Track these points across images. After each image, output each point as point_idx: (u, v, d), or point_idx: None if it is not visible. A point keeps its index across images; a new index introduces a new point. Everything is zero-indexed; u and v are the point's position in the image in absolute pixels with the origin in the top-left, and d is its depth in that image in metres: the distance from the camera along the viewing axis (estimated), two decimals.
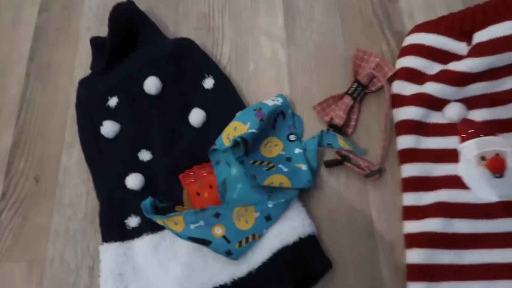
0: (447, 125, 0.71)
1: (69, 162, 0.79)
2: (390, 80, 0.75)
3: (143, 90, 0.78)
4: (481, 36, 0.69)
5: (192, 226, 0.65)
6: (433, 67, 0.73)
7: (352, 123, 0.75)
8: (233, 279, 0.66)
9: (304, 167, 0.70)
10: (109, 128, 0.76)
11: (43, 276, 0.72)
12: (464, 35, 0.72)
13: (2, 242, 0.75)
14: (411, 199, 0.68)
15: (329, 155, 0.74)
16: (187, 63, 0.79)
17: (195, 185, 0.72)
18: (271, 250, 0.66)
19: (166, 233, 0.69)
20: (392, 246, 0.68)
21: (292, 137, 0.74)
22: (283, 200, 0.67)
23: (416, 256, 0.65)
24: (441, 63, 0.73)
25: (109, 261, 0.68)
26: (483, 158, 0.68)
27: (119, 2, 0.81)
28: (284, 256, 0.65)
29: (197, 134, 0.75)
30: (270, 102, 0.73)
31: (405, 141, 0.70)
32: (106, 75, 0.80)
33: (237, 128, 0.70)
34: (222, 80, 0.79)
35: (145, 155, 0.75)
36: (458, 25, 0.73)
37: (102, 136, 0.76)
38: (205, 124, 0.76)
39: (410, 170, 0.69)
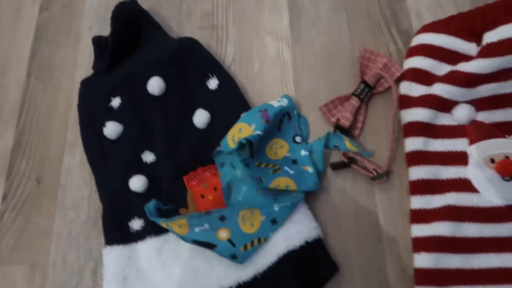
0: (455, 127, 0.71)
1: (71, 164, 0.79)
2: (398, 80, 0.75)
3: (146, 91, 0.78)
4: (491, 36, 0.69)
5: (196, 229, 0.65)
6: (442, 68, 0.73)
7: (359, 124, 0.75)
8: (238, 283, 0.66)
9: (310, 169, 0.70)
10: (112, 129, 0.76)
11: (46, 279, 0.72)
12: (474, 36, 0.72)
13: (4, 244, 0.75)
14: (419, 202, 0.68)
15: (336, 157, 0.74)
16: (191, 63, 0.79)
17: (199, 187, 0.72)
18: (277, 254, 0.66)
19: (170, 236, 0.69)
20: (400, 250, 0.68)
21: (298, 139, 0.74)
22: (289, 203, 0.67)
23: (424, 260, 0.65)
24: (450, 63, 0.73)
25: (112, 265, 0.69)
26: (492, 160, 0.68)
27: (122, 1, 0.81)
28: (290, 260, 0.65)
29: (201, 135, 0.75)
30: (275, 103, 0.73)
31: (413, 143, 0.70)
32: (109, 75, 0.80)
33: (242, 129, 0.70)
34: (227, 80, 0.79)
35: (148, 157, 0.75)
36: (468, 25, 0.73)
37: (105, 137, 0.76)
38: (210, 125, 0.76)
39: (418, 172, 0.69)
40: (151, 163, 0.75)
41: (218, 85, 0.78)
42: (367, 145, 0.74)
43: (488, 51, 0.69)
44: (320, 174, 0.71)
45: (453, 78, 0.70)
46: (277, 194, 0.68)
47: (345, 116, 0.73)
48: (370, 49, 0.78)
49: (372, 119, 0.76)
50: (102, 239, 0.72)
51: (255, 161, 0.70)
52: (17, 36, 0.91)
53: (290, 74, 0.81)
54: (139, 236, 0.70)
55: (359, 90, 0.74)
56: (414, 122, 0.71)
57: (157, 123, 0.76)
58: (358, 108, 0.75)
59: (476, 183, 0.68)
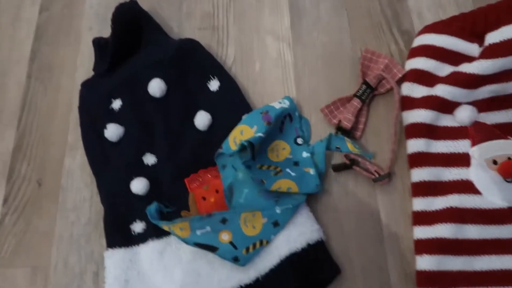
0: (458, 128, 0.72)
1: (72, 166, 0.80)
2: (399, 81, 0.75)
3: (147, 92, 0.78)
4: (493, 37, 0.70)
5: (198, 232, 0.66)
6: (444, 69, 0.73)
7: (361, 126, 0.75)
8: (240, 286, 0.66)
9: (312, 171, 0.70)
10: (113, 131, 0.76)
11: (47, 282, 0.73)
12: (476, 36, 0.73)
13: (6, 247, 0.75)
14: (421, 204, 0.69)
15: (337, 158, 0.74)
16: (192, 64, 0.80)
17: (201, 189, 0.72)
18: (279, 256, 0.66)
19: (171, 239, 0.70)
20: (402, 252, 0.69)
21: (299, 141, 0.74)
22: (290, 206, 0.68)
23: (426, 262, 0.65)
24: (452, 64, 0.73)
25: (114, 267, 0.69)
26: (494, 162, 0.69)
27: (122, 2, 0.81)
28: (292, 263, 0.66)
29: (203, 137, 0.76)
30: (277, 105, 0.74)
31: (415, 145, 0.71)
32: (109, 77, 0.81)
33: (244, 131, 0.71)
34: (228, 82, 0.79)
35: (149, 159, 0.76)
36: (470, 26, 0.74)
37: (105, 139, 0.77)
38: (211, 127, 0.76)
39: (420, 174, 0.70)
40: (152, 165, 0.76)
41: (219, 87, 0.79)
42: (369, 147, 0.75)
43: (491, 52, 0.69)
44: (322, 176, 0.72)
45: (455, 79, 0.71)
46: (279, 196, 0.69)
47: (346, 118, 0.74)
48: (371, 49, 0.78)
49: (374, 120, 0.76)
50: (103, 241, 0.73)
51: (257, 163, 0.71)
52: (17, 36, 0.92)
53: (291, 75, 0.81)
54: (140, 238, 0.71)
55: (360, 91, 0.75)
56: (416, 124, 0.72)
57: (158, 125, 0.77)
58: (360, 110, 0.75)
59: (478, 185, 0.68)
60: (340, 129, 0.74)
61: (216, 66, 0.81)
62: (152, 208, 0.69)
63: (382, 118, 0.76)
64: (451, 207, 0.67)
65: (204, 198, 0.72)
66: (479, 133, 0.70)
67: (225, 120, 0.76)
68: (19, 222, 0.77)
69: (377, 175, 0.71)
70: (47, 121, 0.83)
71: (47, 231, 0.76)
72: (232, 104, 0.78)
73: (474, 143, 0.70)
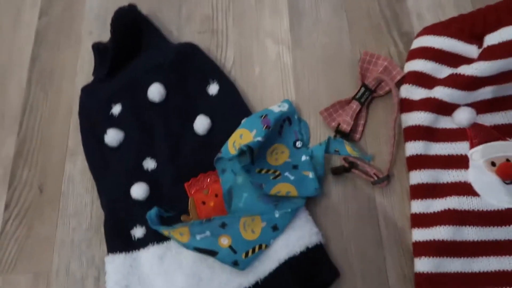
0: (456, 130, 0.73)
1: (73, 171, 0.81)
2: (399, 83, 0.76)
3: (147, 97, 0.80)
4: (492, 38, 0.70)
5: (198, 237, 0.68)
6: (443, 71, 0.74)
7: (360, 128, 0.76)
8: None
9: (311, 174, 0.71)
10: (112, 137, 0.78)
11: None
12: (475, 37, 0.74)
13: (8, 253, 0.77)
14: (419, 206, 0.70)
15: (336, 161, 0.75)
16: (191, 68, 0.81)
17: (200, 194, 0.74)
18: (278, 260, 0.68)
19: (171, 244, 0.71)
20: (400, 254, 0.70)
21: (298, 144, 0.75)
22: (289, 210, 0.69)
23: (424, 264, 0.66)
24: (451, 66, 0.74)
25: (114, 272, 0.71)
26: (493, 163, 0.70)
27: (121, 6, 0.83)
28: (291, 266, 0.67)
29: (202, 141, 0.77)
30: (276, 109, 0.75)
31: (414, 147, 0.72)
32: (109, 82, 0.82)
33: (243, 135, 0.72)
34: (227, 85, 0.81)
35: (149, 164, 0.77)
36: (468, 27, 0.75)
37: (106, 144, 0.78)
38: (210, 131, 0.78)
39: (419, 176, 0.71)
40: (152, 170, 0.77)
41: (219, 90, 0.80)
42: (368, 149, 0.76)
43: (489, 54, 0.70)
44: (320, 179, 0.73)
45: (454, 81, 0.72)
46: (278, 200, 0.70)
47: (345, 121, 0.75)
48: (370, 52, 0.79)
49: (373, 122, 0.77)
50: (104, 246, 0.74)
51: (256, 167, 0.72)
52: (17, 41, 0.93)
53: (291, 77, 0.82)
54: (141, 243, 0.73)
55: (359, 94, 0.76)
56: (415, 126, 0.73)
57: (158, 129, 0.78)
58: (359, 112, 0.76)
59: (476, 187, 0.69)
60: (339, 132, 0.75)
61: (216, 69, 0.82)
62: (152, 213, 0.70)
63: (381, 120, 0.77)
64: (450, 209, 0.68)
65: (204, 203, 0.73)
66: (477, 134, 0.71)
67: (225, 124, 0.77)
68: (21, 228, 0.78)
69: (376, 178, 0.72)
70: (48, 127, 0.85)
71: (49, 237, 0.77)
72: (232, 107, 0.79)
73: (472, 145, 0.71)
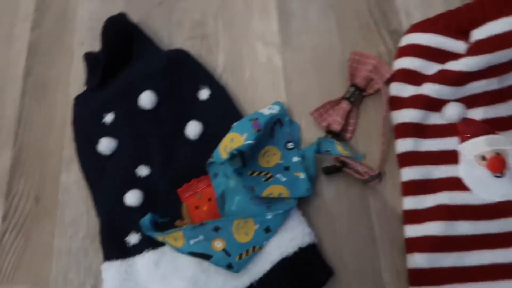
0: (446, 126, 0.74)
1: (69, 181, 0.82)
2: (389, 81, 0.77)
3: (138, 105, 0.81)
4: (479, 33, 0.71)
5: (192, 241, 0.69)
6: (431, 67, 0.75)
7: (350, 127, 0.77)
8: None
9: (302, 175, 0.72)
10: (106, 145, 0.79)
11: None
12: (462, 33, 0.75)
13: (6, 264, 0.78)
14: (411, 203, 0.71)
15: (329, 161, 0.76)
16: (182, 75, 0.82)
17: (194, 198, 0.75)
18: (272, 262, 0.69)
19: (167, 249, 0.72)
20: (394, 251, 0.70)
21: (290, 145, 0.76)
22: (282, 211, 0.70)
23: (417, 260, 0.67)
24: (439, 62, 0.75)
25: (111, 280, 0.72)
26: (483, 158, 0.71)
27: (111, 16, 0.84)
28: (285, 267, 0.68)
29: (195, 146, 0.78)
30: (266, 111, 0.76)
31: (404, 144, 0.73)
32: (101, 91, 0.84)
33: (234, 139, 0.73)
34: (218, 90, 0.82)
35: (143, 171, 0.78)
36: (455, 23, 0.76)
37: (99, 153, 0.79)
38: (202, 136, 0.79)
39: (410, 173, 0.72)
40: (146, 177, 0.78)
41: (210, 95, 0.81)
42: (360, 148, 0.77)
43: (477, 49, 0.71)
44: (313, 180, 0.74)
45: (443, 77, 0.73)
46: (270, 202, 0.71)
47: (336, 120, 0.76)
48: (359, 51, 0.80)
49: (364, 121, 0.78)
50: (101, 254, 0.75)
51: (248, 170, 0.73)
52: (10, 54, 0.95)
53: (281, 79, 0.83)
54: (136, 250, 0.74)
55: (349, 93, 0.77)
56: (405, 123, 0.74)
57: (150, 136, 0.79)
58: (349, 111, 0.77)
59: (467, 181, 0.70)
60: (330, 132, 0.76)
61: (206, 74, 0.83)
62: (145, 219, 0.71)
63: (372, 119, 0.78)
64: (441, 205, 0.69)
65: (197, 207, 0.74)
66: (467, 129, 0.72)
67: (217, 129, 0.78)
68: (19, 238, 0.80)
69: (368, 177, 0.73)
70: (43, 138, 0.86)
71: (46, 247, 0.79)
72: (223, 112, 0.80)
73: (462, 140, 0.72)
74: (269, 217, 0.70)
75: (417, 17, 0.82)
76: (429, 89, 0.73)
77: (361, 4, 0.87)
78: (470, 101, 0.74)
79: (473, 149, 0.71)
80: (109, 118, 0.81)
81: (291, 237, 0.70)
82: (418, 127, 0.73)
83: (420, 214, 0.70)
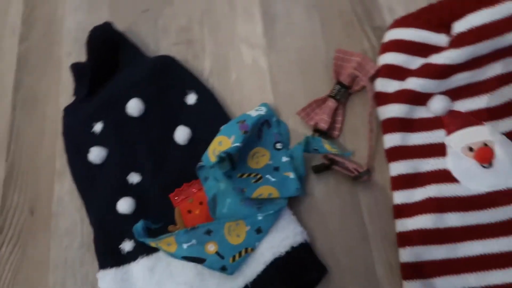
0: (432, 119, 0.74)
1: (62, 191, 0.83)
2: (374, 78, 0.78)
3: (126, 113, 0.81)
4: (460, 26, 0.71)
5: (184, 246, 0.69)
6: (415, 62, 0.75)
7: (338, 125, 0.78)
8: None
9: (292, 175, 0.73)
10: (96, 154, 0.79)
11: None
12: (443, 26, 0.75)
13: (3, 278, 0.79)
14: (401, 197, 0.71)
15: (317, 160, 0.76)
16: (169, 80, 0.83)
17: (186, 203, 0.75)
18: (265, 262, 0.69)
19: (161, 254, 0.73)
20: (386, 246, 0.71)
21: (278, 145, 0.77)
22: (272, 212, 0.71)
23: (409, 254, 0.67)
24: (423, 56, 0.75)
25: None
26: (470, 149, 0.71)
27: (96, 26, 0.85)
28: (278, 267, 0.68)
29: (184, 151, 0.79)
30: (253, 113, 0.77)
31: (392, 139, 0.73)
32: (90, 101, 0.84)
33: (222, 142, 0.73)
34: (205, 94, 0.82)
35: (134, 178, 0.79)
36: (437, 16, 0.76)
37: (90, 162, 0.80)
38: (191, 140, 0.79)
39: (398, 168, 0.72)
40: (137, 184, 0.78)
41: (197, 100, 0.81)
42: (348, 145, 0.77)
43: (459, 41, 0.71)
44: (302, 179, 0.74)
45: (426, 71, 0.73)
46: (261, 203, 0.72)
47: (322, 119, 0.76)
48: (343, 49, 0.80)
49: (351, 118, 0.78)
50: (97, 263, 0.76)
51: (238, 172, 0.74)
52: (0, 68, 0.95)
53: (267, 81, 0.84)
54: (131, 257, 0.74)
55: (335, 91, 0.78)
56: (391, 119, 0.74)
57: (140, 143, 0.80)
58: (336, 109, 0.78)
59: (455, 173, 0.70)
60: (317, 130, 0.77)
61: (193, 79, 0.84)
62: (138, 226, 0.71)
63: (359, 116, 0.78)
64: (431, 198, 0.69)
65: (189, 211, 0.75)
66: (453, 121, 0.72)
67: (205, 132, 0.78)
68: (15, 251, 0.80)
69: (357, 173, 0.73)
70: (35, 150, 0.87)
71: (43, 258, 0.79)
72: (211, 115, 0.80)
73: (449, 132, 0.72)
74: (260, 218, 0.71)
75: (400, 13, 0.82)
76: (414, 83, 0.73)
77: (344, 2, 0.87)
78: (455, 94, 0.74)
79: (460, 140, 0.71)
80: (98, 127, 0.82)
81: (282, 237, 0.70)
82: (405, 122, 0.74)
83: (410, 208, 0.70)
